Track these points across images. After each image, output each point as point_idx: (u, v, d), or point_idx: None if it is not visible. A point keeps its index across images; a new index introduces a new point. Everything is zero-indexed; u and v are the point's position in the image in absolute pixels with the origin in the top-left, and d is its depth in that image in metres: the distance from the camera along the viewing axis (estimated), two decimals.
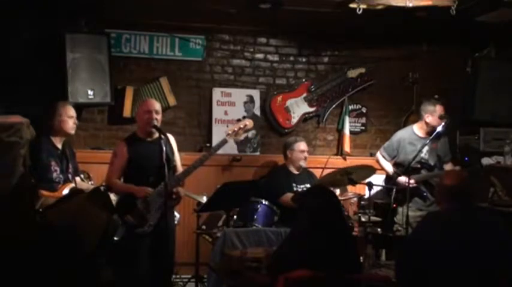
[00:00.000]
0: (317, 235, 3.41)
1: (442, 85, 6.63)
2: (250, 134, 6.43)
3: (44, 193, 4.44)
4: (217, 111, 6.43)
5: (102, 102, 5.91)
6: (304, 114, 6.66)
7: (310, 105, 6.66)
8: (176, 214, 5.24)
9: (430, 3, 5.13)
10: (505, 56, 6.53)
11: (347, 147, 6.60)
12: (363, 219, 4.94)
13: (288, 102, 6.60)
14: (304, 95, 6.64)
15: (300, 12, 5.79)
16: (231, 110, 6.43)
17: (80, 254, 4.02)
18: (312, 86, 6.66)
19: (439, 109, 5.48)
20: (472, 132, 6.53)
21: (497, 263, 3.17)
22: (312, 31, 6.53)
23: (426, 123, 5.54)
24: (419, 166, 5.50)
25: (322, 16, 5.87)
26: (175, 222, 5.15)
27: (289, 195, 5.49)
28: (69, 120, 4.71)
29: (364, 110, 6.84)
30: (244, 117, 6.05)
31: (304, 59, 6.72)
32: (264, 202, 5.27)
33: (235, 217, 5.22)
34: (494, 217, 3.56)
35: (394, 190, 5.35)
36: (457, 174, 3.90)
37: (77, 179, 4.89)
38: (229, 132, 4.78)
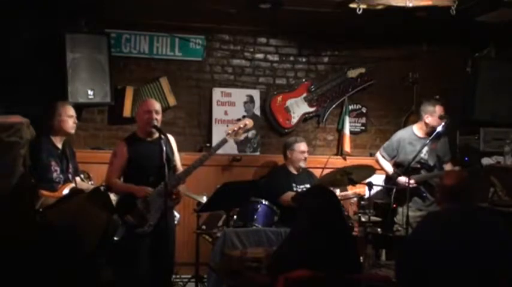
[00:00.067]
0: (317, 235, 3.41)
1: (442, 85, 6.63)
2: (250, 134, 6.43)
3: (44, 193, 4.44)
4: (217, 111, 6.43)
5: (102, 102, 5.91)
6: (304, 114, 6.66)
7: (310, 105, 6.66)
8: (176, 214, 5.24)
9: (430, 3, 5.13)
10: (505, 56, 6.53)
11: (347, 147, 6.61)
12: (363, 219, 4.94)
13: (288, 102, 6.60)
14: (304, 95, 6.64)
15: (300, 12, 5.79)
16: (231, 110, 6.43)
17: (80, 254, 4.02)
18: (312, 86, 6.66)
19: (438, 110, 5.48)
20: (472, 132, 6.53)
21: (497, 263, 3.17)
22: (312, 31, 6.53)
23: (426, 123, 5.54)
24: (419, 166, 5.50)
25: (322, 16, 5.87)
26: (175, 222, 5.15)
27: (290, 194, 5.50)
28: (69, 119, 4.71)
29: (364, 110, 6.84)
30: (244, 116, 6.05)
31: (304, 59, 6.72)
32: (264, 202, 5.27)
33: (235, 217, 5.22)
34: (494, 217, 3.55)
35: (394, 190, 5.35)
36: (457, 174, 3.90)
37: (77, 179, 4.89)
38: (229, 132, 4.78)
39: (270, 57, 6.65)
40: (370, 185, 5.11)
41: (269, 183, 5.71)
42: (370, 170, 5.36)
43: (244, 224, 5.12)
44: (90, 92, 5.75)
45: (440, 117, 5.45)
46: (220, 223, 5.30)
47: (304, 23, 6.24)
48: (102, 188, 4.61)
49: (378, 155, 5.80)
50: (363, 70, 6.72)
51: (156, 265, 4.54)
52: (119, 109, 6.07)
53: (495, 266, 3.16)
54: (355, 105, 6.80)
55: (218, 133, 6.17)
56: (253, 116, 6.31)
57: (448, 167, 5.62)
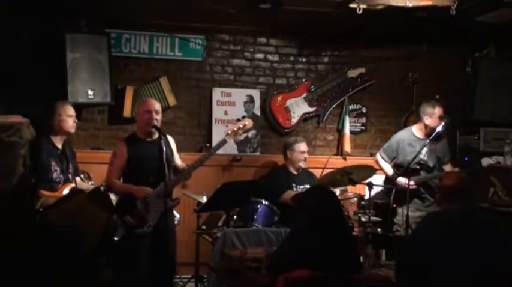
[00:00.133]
0: (317, 235, 3.41)
1: (442, 85, 6.63)
2: (250, 134, 6.43)
3: (44, 193, 4.44)
4: (217, 111, 6.43)
5: (102, 102, 5.91)
6: (304, 114, 6.66)
7: (310, 105, 6.66)
8: (176, 214, 5.24)
9: (430, 3, 5.13)
10: (505, 56, 6.53)
11: (347, 147, 6.60)
12: (363, 219, 4.94)
13: (288, 102, 6.60)
14: (304, 95, 6.64)
15: (300, 12, 5.79)
16: (231, 110, 6.43)
17: (80, 254, 4.02)
18: (312, 86, 6.66)
19: (438, 111, 5.47)
20: (472, 132, 6.53)
21: (497, 263, 3.17)
22: (312, 31, 6.53)
23: (425, 125, 5.52)
24: (418, 167, 5.50)
25: (322, 16, 5.87)
26: (175, 222, 5.16)
27: (290, 193, 5.50)
28: (69, 119, 4.71)
29: (364, 110, 6.84)
30: (243, 117, 6.06)
31: (304, 59, 6.72)
32: (264, 202, 5.27)
33: (235, 217, 5.22)
34: (494, 217, 3.56)
35: (394, 190, 5.34)
36: (457, 174, 3.91)
37: (77, 179, 4.88)
38: (229, 132, 4.79)
39: (270, 57, 6.65)
40: (370, 185, 5.11)
41: (269, 183, 5.71)
42: (370, 170, 5.36)
43: (244, 224, 5.12)
44: (90, 92, 5.75)
45: (440, 118, 5.44)
46: (220, 223, 5.30)
47: (304, 23, 6.24)
48: (102, 188, 4.61)
49: (378, 156, 5.80)
50: (363, 70, 6.72)
51: (156, 265, 4.54)
52: (119, 109, 6.07)
53: (495, 266, 3.16)
54: (355, 105, 6.80)
55: (218, 133, 6.17)
56: (253, 116, 6.32)
57: (447, 167, 5.62)
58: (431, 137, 5.37)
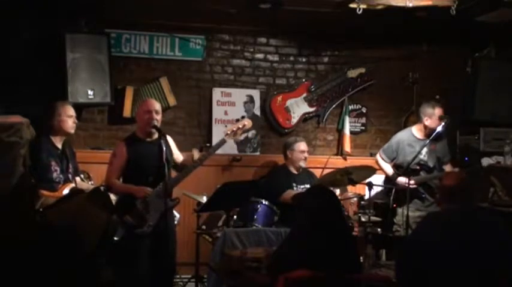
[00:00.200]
0: (317, 235, 3.41)
1: (442, 85, 6.63)
2: (250, 134, 6.43)
3: (44, 193, 4.44)
4: (217, 111, 6.43)
5: (102, 102, 5.91)
6: (304, 114, 6.66)
7: (310, 105, 6.66)
8: (176, 214, 5.24)
9: (430, 3, 5.13)
10: (505, 56, 6.53)
11: (347, 147, 6.60)
12: (363, 219, 4.94)
13: (288, 102, 6.60)
14: (304, 95, 6.64)
15: (300, 12, 5.79)
16: (231, 110, 6.43)
17: (80, 254, 4.02)
18: (312, 86, 6.66)
19: (437, 112, 5.47)
20: (472, 132, 6.53)
21: (497, 263, 3.17)
22: (312, 31, 6.53)
23: (425, 126, 5.52)
24: (418, 167, 5.50)
25: (322, 16, 5.87)
26: (175, 222, 5.16)
27: (291, 192, 5.50)
28: (69, 119, 4.71)
29: (364, 110, 6.84)
30: (243, 117, 6.06)
31: (304, 59, 6.72)
32: (264, 202, 5.27)
33: (235, 217, 5.22)
34: (494, 217, 3.56)
35: (393, 190, 5.35)
36: (457, 175, 3.91)
37: (77, 179, 4.88)
38: (228, 132, 4.79)
39: (270, 57, 6.65)
40: (370, 185, 5.11)
41: (269, 183, 5.72)
42: (370, 171, 5.36)
43: (244, 224, 5.12)
44: (90, 92, 5.75)
45: (440, 118, 5.44)
46: (220, 223, 5.30)
47: (304, 23, 6.23)
48: (102, 188, 4.61)
49: (378, 157, 5.80)
50: (363, 70, 6.72)
51: (156, 265, 4.54)
52: (119, 109, 6.07)
53: (495, 266, 3.16)
54: (355, 105, 6.80)
55: (218, 133, 6.17)
56: (253, 116, 6.32)
57: (447, 168, 5.62)
58: (431, 138, 5.37)
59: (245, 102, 6.51)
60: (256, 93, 6.56)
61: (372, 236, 4.74)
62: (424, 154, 5.50)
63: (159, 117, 4.66)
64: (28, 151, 4.11)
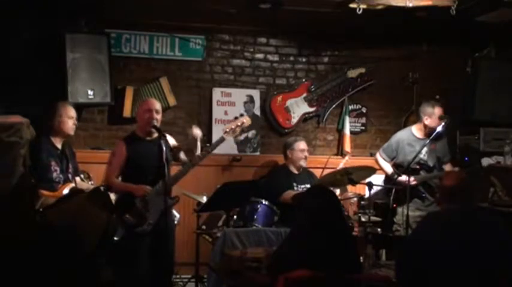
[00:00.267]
0: (317, 235, 3.41)
1: (442, 85, 6.63)
2: (250, 134, 6.44)
3: (44, 193, 4.44)
4: (217, 111, 6.43)
5: (102, 102, 5.91)
6: (304, 114, 6.66)
7: (310, 105, 6.66)
8: (176, 213, 5.24)
9: (430, 3, 5.13)
10: (505, 56, 6.53)
11: (347, 147, 6.60)
12: (363, 219, 4.94)
13: (288, 102, 6.60)
14: (304, 95, 6.64)
15: (300, 12, 5.79)
16: (231, 110, 6.43)
17: (80, 254, 4.02)
18: (312, 86, 6.66)
19: (437, 111, 5.48)
20: (472, 132, 6.53)
21: (497, 263, 3.17)
22: (312, 31, 6.53)
23: (425, 125, 5.53)
24: (418, 167, 5.50)
25: (322, 16, 5.87)
26: (175, 222, 5.16)
27: (291, 192, 5.50)
28: (69, 121, 4.71)
29: (364, 110, 6.84)
30: (241, 114, 6.09)
31: (304, 59, 6.72)
32: (264, 202, 5.27)
33: (235, 217, 5.22)
34: (494, 217, 3.55)
35: (394, 190, 5.35)
36: (457, 174, 3.90)
37: (77, 179, 4.89)
38: (227, 130, 4.82)
39: (270, 57, 6.65)
40: (370, 185, 5.11)
41: (269, 183, 5.72)
42: (370, 170, 5.36)
43: (244, 224, 5.12)
44: (90, 92, 5.75)
45: (440, 118, 5.45)
46: (220, 223, 5.30)
47: (304, 23, 6.23)
48: (102, 188, 4.61)
49: (378, 156, 5.80)
50: (363, 70, 6.72)
51: (156, 264, 4.54)
52: (119, 109, 6.07)
53: (495, 266, 3.16)
54: (355, 105, 6.80)
55: (218, 133, 6.12)
56: (253, 116, 6.32)
57: (447, 167, 5.62)
58: (431, 137, 5.37)
59: (245, 102, 6.51)
60: (256, 93, 6.56)
61: (372, 236, 4.74)
62: (424, 154, 5.50)
63: (159, 116, 4.66)
64: (28, 150, 4.11)
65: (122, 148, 4.63)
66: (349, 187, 5.81)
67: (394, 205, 5.39)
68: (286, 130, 6.60)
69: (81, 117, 5.73)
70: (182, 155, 4.81)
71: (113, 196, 4.70)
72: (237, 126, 4.83)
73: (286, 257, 3.44)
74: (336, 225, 3.52)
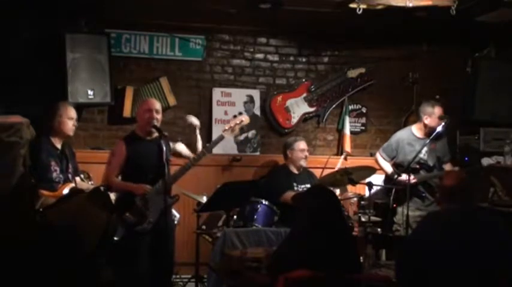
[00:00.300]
0: (317, 235, 3.41)
1: (442, 85, 6.63)
2: (250, 134, 6.44)
3: (44, 193, 4.44)
4: (217, 111, 6.43)
5: (102, 102, 5.92)
6: (304, 114, 6.66)
7: (310, 105, 6.66)
8: (176, 213, 5.25)
9: (430, 3, 5.13)
10: (505, 56, 6.53)
11: (347, 147, 6.60)
12: (363, 219, 4.94)
13: (288, 102, 6.60)
14: (304, 95, 6.64)
15: (300, 12, 5.79)
16: (231, 110, 6.43)
17: (80, 254, 4.01)
18: (312, 86, 6.66)
19: (437, 111, 5.48)
20: (472, 132, 6.53)
21: (497, 263, 3.16)
22: (312, 31, 6.53)
23: (425, 124, 5.54)
24: (418, 166, 5.50)
25: (322, 16, 5.87)
26: (175, 222, 5.16)
27: (291, 193, 5.50)
28: (69, 121, 4.71)
29: (364, 110, 6.84)
30: (240, 113, 6.10)
31: (304, 59, 6.72)
32: (264, 202, 5.27)
33: (235, 217, 5.22)
34: (494, 217, 3.55)
35: (394, 190, 5.35)
36: (457, 174, 3.90)
37: (77, 179, 4.89)
38: (226, 128, 4.89)
39: (270, 57, 6.65)
40: (370, 185, 5.11)
41: (270, 183, 5.72)
42: (370, 170, 5.36)
43: (244, 224, 5.12)
44: (90, 92, 5.75)
45: (440, 118, 5.45)
46: (220, 223, 5.30)
47: (304, 23, 6.23)
48: (102, 188, 4.60)
49: (378, 155, 5.81)
50: (363, 70, 6.72)
51: (156, 264, 4.54)
52: (119, 109, 6.08)
53: (495, 266, 3.16)
54: (355, 105, 6.80)
55: (218, 133, 6.08)
56: (253, 116, 6.32)
57: (447, 167, 5.63)
58: (431, 137, 5.37)
59: (245, 102, 6.51)
60: (256, 93, 6.56)
61: (372, 236, 4.74)
62: (424, 153, 5.51)
63: (159, 116, 4.67)
64: (28, 150, 4.11)
65: (121, 147, 4.64)
66: (349, 187, 5.81)
67: (394, 205, 5.39)
68: (286, 130, 6.60)
69: (81, 117, 5.73)
70: (185, 150, 4.84)
71: (112, 196, 4.70)
72: (236, 124, 4.89)
73: (286, 257, 3.44)
74: (336, 225, 3.52)
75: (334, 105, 6.71)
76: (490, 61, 6.52)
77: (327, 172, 5.65)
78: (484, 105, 6.35)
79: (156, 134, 4.59)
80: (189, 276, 5.57)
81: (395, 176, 5.47)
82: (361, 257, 4.32)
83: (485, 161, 6.21)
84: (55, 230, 3.99)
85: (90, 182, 5.26)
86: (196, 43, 6.38)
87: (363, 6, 5.16)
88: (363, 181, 5.37)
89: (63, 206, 4.20)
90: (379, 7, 5.27)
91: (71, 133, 4.78)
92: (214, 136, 6.24)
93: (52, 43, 5.66)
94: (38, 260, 3.83)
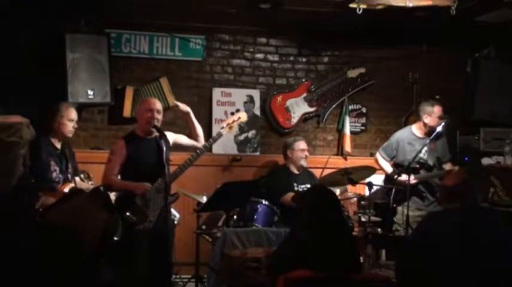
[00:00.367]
0: (317, 235, 3.41)
1: (442, 85, 6.63)
2: (250, 134, 6.44)
3: (44, 193, 4.44)
4: (217, 111, 6.43)
5: (102, 102, 5.92)
6: (304, 114, 6.66)
7: (310, 105, 6.66)
8: (176, 213, 5.24)
9: (430, 3, 5.13)
10: (505, 56, 6.53)
11: (347, 147, 6.60)
12: (363, 219, 4.94)
13: (288, 102, 6.60)
14: (304, 95, 6.64)
15: (300, 12, 5.79)
16: (231, 110, 6.42)
17: (80, 254, 4.01)
18: (312, 86, 6.66)
19: (437, 110, 5.48)
20: (472, 132, 6.53)
21: (497, 263, 3.16)
22: (312, 31, 6.53)
23: (425, 124, 5.54)
24: (418, 166, 5.50)
25: (322, 16, 5.87)
26: (175, 222, 5.16)
27: (291, 195, 5.49)
28: (69, 123, 4.71)
29: (364, 110, 6.84)
30: (237, 110, 6.11)
31: (304, 59, 6.72)
32: (264, 202, 5.27)
33: (235, 217, 5.22)
34: (494, 217, 3.55)
35: (393, 190, 5.35)
36: (458, 174, 3.90)
37: (77, 179, 4.89)
38: (224, 125, 4.93)
39: (270, 57, 6.65)
40: (370, 185, 5.12)
41: (270, 183, 5.72)
42: (370, 170, 5.36)
43: (244, 224, 5.12)
44: (90, 92, 5.76)
45: (440, 118, 5.45)
46: (220, 223, 5.30)
47: (304, 23, 6.23)
48: (102, 188, 4.60)
49: (378, 155, 5.81)
50: (363, 70, 6.72)
51: (155, 264, 4.54)
52: (119, 109, 6.08)
53: (496, 266, 3.16)
54: (355, 105, 6.80)
55: None
56: (253, 116, 6.32)
57: (447, 167, 5.63)
58: (431, 137, 5.37)
59: (245, 102, 6.51)
60: (256, 93, 6.56)
61: (372, 236, 4.74)
62: (424, 153, 5.51)
63: (159, 116, 4.67)
64: (28, 150, 4.11)
65: (121, 146, 4.63)
66: (349, 187, 5.81)
67: (394, 205, 5.39)
68: (286, 130, 6.60)
69: (81, 117, 5.71)
70: (186, 140, 4.85)
71: (112, 195, 4.70)
72: (234, 121, 4.95)
73: (286, 257, 3.45)
74: (336, 225, 3.52)
75: (334, 105, 6.71)
76: (490, 61, 6.52)
77: (327, 172, 5.65)
78: (484, 105, 6.35)
79: (156, 134, 4.59)
80: (189, 276, 5.56)
81: (395, 176, 5.47)
82: (361, 257, 4.32)
83: (485, 161, 6.22)
84: (55, 230, 3.99)
85: (90, 182, 5.26)
86: (196, 43, 6.38)
87: (363, 6, 5.16)
88: (362, 181, 5.37)
89: (63, 206, 4.20)
90: (379, 7, 5.26)
91: (70, 135, 4.78)
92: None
93: (52, 43, 5.66)
94: (38, 260, 3.83)
